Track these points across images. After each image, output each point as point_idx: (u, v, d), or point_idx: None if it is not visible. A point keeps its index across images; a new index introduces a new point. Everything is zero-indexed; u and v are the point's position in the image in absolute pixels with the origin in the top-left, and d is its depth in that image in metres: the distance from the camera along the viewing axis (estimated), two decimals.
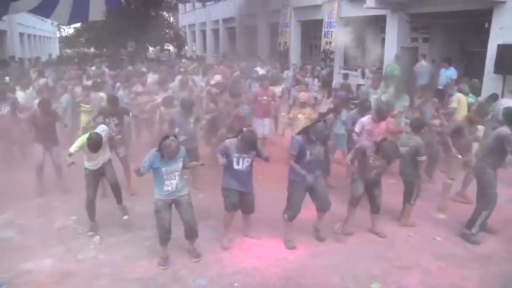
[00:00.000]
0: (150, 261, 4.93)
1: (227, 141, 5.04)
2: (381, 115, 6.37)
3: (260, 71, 12.93)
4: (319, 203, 5.30)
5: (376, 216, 5.58)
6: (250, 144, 4.89)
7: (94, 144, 5.28)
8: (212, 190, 6.54)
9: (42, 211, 6.36)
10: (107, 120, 6.78)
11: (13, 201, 6.61)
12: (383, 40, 15.09)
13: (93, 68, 14.18)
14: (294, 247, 5.25)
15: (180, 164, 4.83)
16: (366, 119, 6.50)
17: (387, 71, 12.08)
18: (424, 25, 13.89)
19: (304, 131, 5.18)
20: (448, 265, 4.91)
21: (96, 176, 5.70)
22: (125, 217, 5.77)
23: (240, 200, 5.14)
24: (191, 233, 4.94)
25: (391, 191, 6.13)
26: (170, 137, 4.70)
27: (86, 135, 5.45)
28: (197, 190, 6.59)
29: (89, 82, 9.92)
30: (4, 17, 21.53)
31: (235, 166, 4.97)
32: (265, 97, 8.34)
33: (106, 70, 14.72)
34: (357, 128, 6.48)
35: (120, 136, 6.59)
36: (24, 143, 8.12)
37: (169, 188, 4.78)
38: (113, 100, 7.12)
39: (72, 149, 5.51)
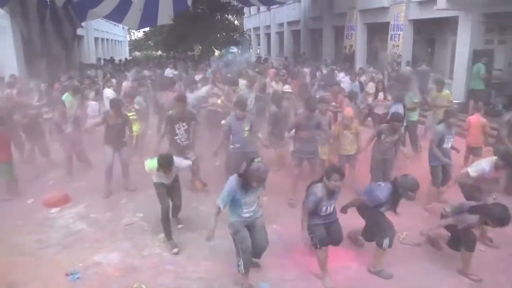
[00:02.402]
0: (213, 261, 4.99)
1: (317, 190, 4.46)
2: None
3: (344, 78, 12.72)
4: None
5: None
6: (339, 173, 4.48)
7: (166, 165, 5.08)
8: (277, 194, 6.55)
9: (111, 206, 6.64)
10: (176, 126, 6.61)
11: (85, 195, 7.00)
12: (453, 42, 14.42)
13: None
14: None
15: (260, 193, 4.49)
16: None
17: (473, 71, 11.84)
18: (501, 25, 13.05)
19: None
20: None
21: (165, 186, 5.51)
22: (179, 226, 5.81)
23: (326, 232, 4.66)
24: (260, 253, 4.68)
25: None
26: (256, 160, 4.21)
27: (155, 160, 5.25)
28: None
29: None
30: (82, 23, 22.94)
31: (322, 213, 4.56)
32: (333, 103, 8.18)
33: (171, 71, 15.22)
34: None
35: (187, 142, 6.63)
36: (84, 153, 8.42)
37: (247, 215, 4.41)
38: (181, 99, 6.76)
39: (147, 169, 5.44)
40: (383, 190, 4.71)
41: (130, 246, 5.40)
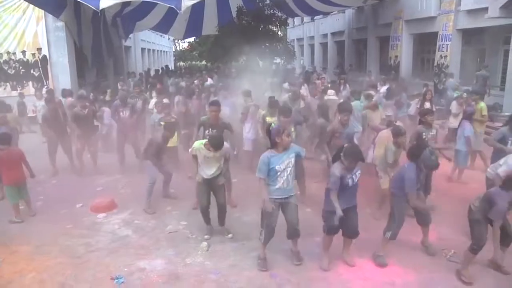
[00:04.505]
0: (256, 271, 4.96)
1: (335, 170, 4.64)
2: None
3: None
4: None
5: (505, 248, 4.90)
6: (357, 157, 4.62)
7: (218, 143, 5.40)
8: (320, 206, 6.45)
9: (156, 214, 6.75)
10: (207, 132, 6.70)
11: (131, 202, 7.18)
12: (506, 52, 13.87)
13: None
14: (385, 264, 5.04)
15: (293, 160, 4.79)
16: None
17: None
18: None
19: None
20: None
21: (208, 184, 5.71)
22: (229, 235, 5.86)
23: (342, 220, 4.73)
24: (293, 233, 4.98)
25: None
26: (272, 124, 4.79)
27: (201, 142, 5.62)
28: (304, 205, 6.54)
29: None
30: (130, 35, 23.78)
31: (350, 185, 4.70)
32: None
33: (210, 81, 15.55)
34: None
35: None
36: (138, 142, 8.81)
37: (281, 184, 4.76)
38: (214, 103, 6.97)
39: (192, 151, 5.65)
40: (410, 170, 4.87)
41: (174, 254, 5.46)
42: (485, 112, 8.75)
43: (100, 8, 11.58)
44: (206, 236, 5.79)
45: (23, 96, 13.64)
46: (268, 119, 7.37)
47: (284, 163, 4.73)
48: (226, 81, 13.86)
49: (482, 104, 8.83)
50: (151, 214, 6.76)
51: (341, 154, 4.66)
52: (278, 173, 4.73)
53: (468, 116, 7.79)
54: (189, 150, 5.76)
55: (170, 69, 28.01)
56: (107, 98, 11.51)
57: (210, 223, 5.90)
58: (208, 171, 5.64)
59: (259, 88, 10.46)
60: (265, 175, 4.73)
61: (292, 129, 6.68)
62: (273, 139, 4.74)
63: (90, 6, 11.85)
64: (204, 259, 5.32)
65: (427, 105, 9.77)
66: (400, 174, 5.04)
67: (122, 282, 4.83)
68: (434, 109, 9.87)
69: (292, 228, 4.95)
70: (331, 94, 9.51)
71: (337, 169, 4.63)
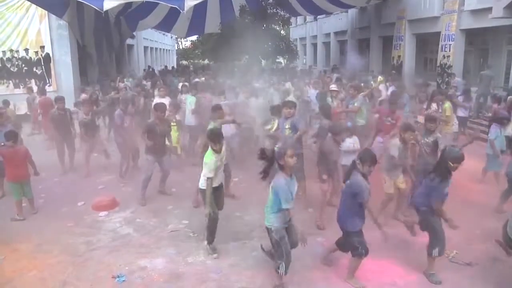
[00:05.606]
0: (256, 271, 4.97)
1: (363, 183, 4.43)
2: None
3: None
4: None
5: None
6: (374, 159, 4.49)
7: (218, 135, 5.30)
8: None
9: (157, 213, 6.75)
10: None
11: (132, 201, 7.20)
12: (509, 52, 13.81)
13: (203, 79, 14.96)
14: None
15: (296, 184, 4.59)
16: None
17: None
18: None
19: None
20: None
21: (215, 191, 5.46)
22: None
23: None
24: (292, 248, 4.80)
25: None
26: (275, 148, 4.68)
27: (210, 152, 5.30)
28: (305, 206, 6.58)
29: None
30: (133, 33, 23.82)
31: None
32: (389, 119, 7.95)
33: None
34: None
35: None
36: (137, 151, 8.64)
37: (288, 210, 4.39)
38: (218, 107, 7.19)
39: (211, 174, 5.21)
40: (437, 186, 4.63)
41: (175, 253, 5.47)
42: (449, 113, 8.61)
43: (104, 9, 11.58)
44: (214, 255, 5.35)
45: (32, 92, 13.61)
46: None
47: (295, 187, 4.48)
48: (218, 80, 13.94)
49: (447, 105, 8.70)
50: (143, 206, 6.97)
51: (358, 161, 4.49)
52: (291, 199, 4.38)
53: (497, 119, 7.68)
54: (207, 176, 5.22)
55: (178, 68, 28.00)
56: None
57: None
58: (216, 179, 5.40)
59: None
60: (290, 203, 4.32)
61: (287, 127, 6.52)
62: (278, 162, 4.39)
63: (94, 7, 11.86)
64: (205, 258, 5.32)
65: (434, 106, 9.72)
66: (423, 189, 4.87)
67: (123, 280, 4.84)
68: (440, 110, 9.91)
69: (295, 246, 4.64)
70: (333, 88, 9.44)
71: (363, 181, 4.45)
